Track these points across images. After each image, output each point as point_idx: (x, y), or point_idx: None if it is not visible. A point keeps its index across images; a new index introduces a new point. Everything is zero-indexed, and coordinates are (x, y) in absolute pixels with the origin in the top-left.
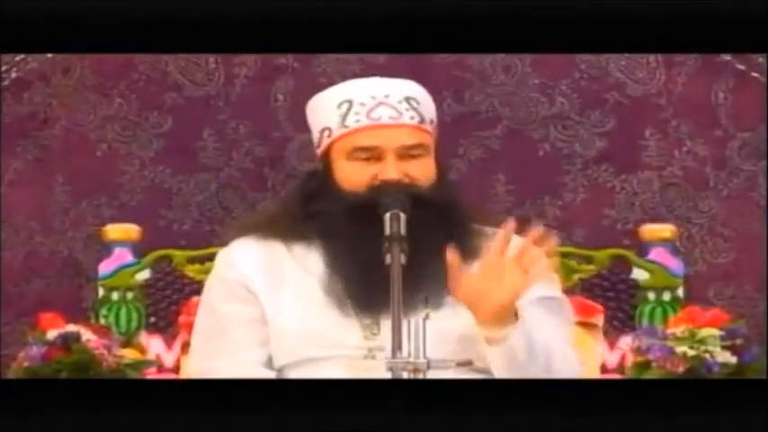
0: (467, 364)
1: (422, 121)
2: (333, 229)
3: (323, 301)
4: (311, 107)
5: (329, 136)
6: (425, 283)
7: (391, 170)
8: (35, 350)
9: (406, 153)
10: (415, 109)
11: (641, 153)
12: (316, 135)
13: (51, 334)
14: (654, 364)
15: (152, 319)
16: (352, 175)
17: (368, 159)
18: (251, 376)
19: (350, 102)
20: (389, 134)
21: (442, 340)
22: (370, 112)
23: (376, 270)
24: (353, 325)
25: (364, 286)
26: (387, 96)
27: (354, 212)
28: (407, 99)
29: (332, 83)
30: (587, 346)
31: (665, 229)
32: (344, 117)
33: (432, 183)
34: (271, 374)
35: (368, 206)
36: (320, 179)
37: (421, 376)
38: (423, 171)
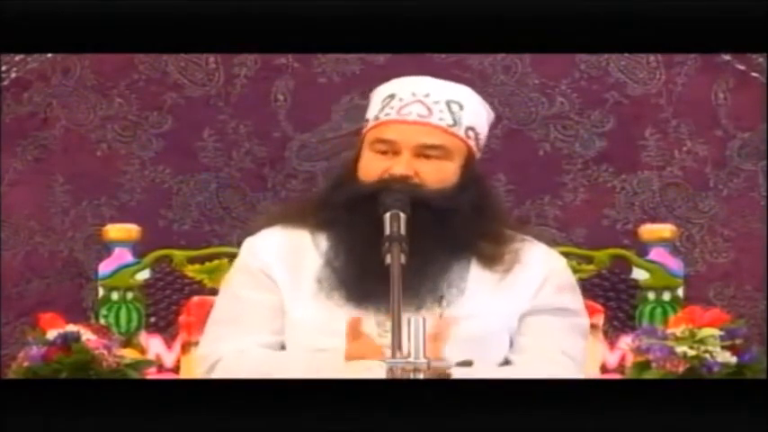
0: (467, 364)
1: (454, 124)
2: (338, 218)
3: (327, 290)
4: (369, 98)
5: (366, 126)
6: (432, 283)
7: (401, 166)
8: (35, 350)
9: (422, 152)
10: (451, 112)
11: (641, 153)
12: (363, 125)
13: (51, 334)
14: (654, 364)
15: (152, 319)
16: (368, 167)
17: (385, 153)
18: (250, 357)
19: (392, 96)
20: (411, 131)
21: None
22: (402, 108)
23: (383, 265)
24: (367, 319)
25: (368, 281)
26: (426, 95)
27: (357, 203)
28: (448, 102)
29: (332, 83)
30: (587, 345)
31: (665, 229)
32: (381, 110)
33: (442, 186)
34: (270, 355)
35: (371, 199)
36: (348, 168)
37: (421, 376)
38: (436, 173)
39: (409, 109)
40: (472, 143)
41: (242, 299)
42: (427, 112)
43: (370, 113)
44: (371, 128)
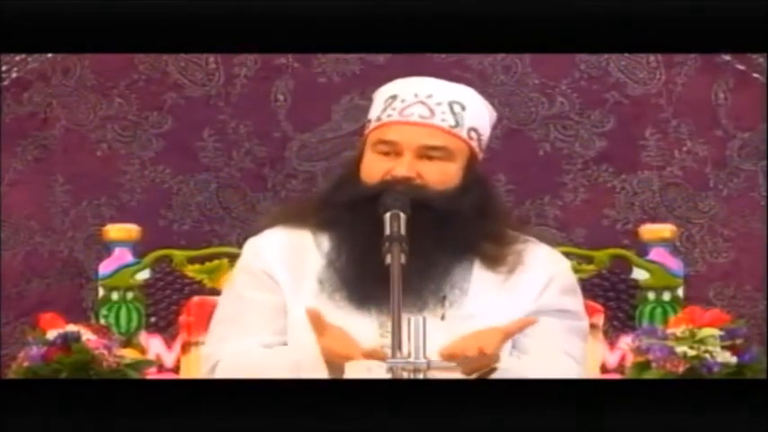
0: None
1: (456, 125)
2: (340, 218)
3: (329, 290)
4: (372, 98)
5: (368, 127)
6: (435, 284)
7: (404, 167)
8: (35, 350)
9: (424, 153)
10: (454, 113)
11: (641, 153)
12: (365, 125)
13: (51, 334)
14: (654, 364)
15: (152, 319)
16: (371, 168)
17: (387, 154)
18: (250, 358)
19: (394, 97)
20: (413, 132)
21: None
22: (404, 109)
23: (383, 266)
24: (370, 321)
25: (369, 282)
26: (429, 96)
27: (359, 204)
28: (451, 103)
29: (332, 83)
30: (587, 346)
31: (665, 229)
32: (384, 110)
33: (444, 188)
34: (269, 354)
35: (373, 200)
36: (351, 168)
37: (421, 376)
38: (438, 174)
39: (411, 110)
40: (474, 144)
41: (244, 299)
42: (429, 114)
43: (373, 114)
44: (374, 129)
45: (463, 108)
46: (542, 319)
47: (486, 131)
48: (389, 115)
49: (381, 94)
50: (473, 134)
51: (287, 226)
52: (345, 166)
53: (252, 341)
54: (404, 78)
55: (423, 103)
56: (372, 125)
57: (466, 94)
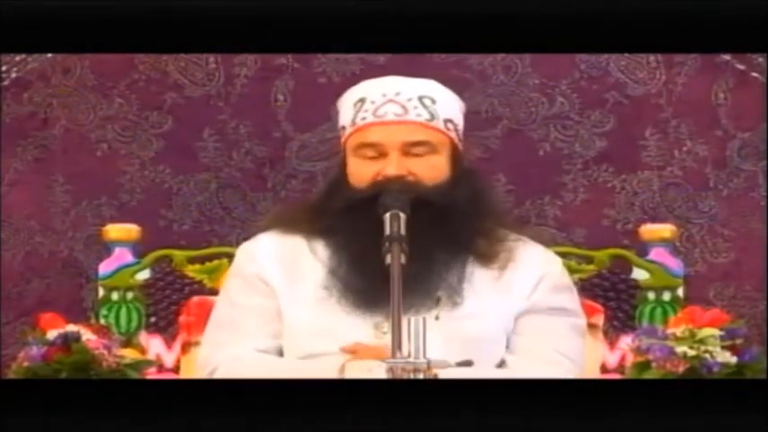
0: (467, 364)
1: (432, 119)
2: (337, 225)
3: (336, 296)
4: (337, 106)
5: (344, 134)
6: (430, 283)
7: (393, 167)
8: (35, 350)
9: (410, 150)
10: (426, 107)
11: (641, 153)
12: (339, 133)
13: (51, 334)
14: (654, 364)
15: (152, 319)
16: (359, 172)
17: (373, 157)
18: (246, 362)
19: (363, 100)
20: (393, 131)
21: (448, 341)
22: (377, 110)
23: (384, 267)
24: (364, 322)
25: (372, 284)
26: (397, 94)
27: (355, 208)
28: (420, 97)
29: (332, 83)
30: (587, 346)
31: (665, 229)
32: (356, 115)
33: (437, 182)
34: (266, 361)
35: (369, 203)
36: (337, 176)
37: (421, 376)
38: (428, 169)
39: (384, 109)
40: (453, 135)
41: (238, 304)
42: (402, 111)
43: (345, 120)
44: (351, 134)
45: (433, 101)
46: (536, 318)
47: (460, 122)
48: (364, 118)
49: (347, 100)
50: (450, 125)
51: (280, 231)
52: (331, 174)
53: (247, 346)
54: (366, 81)
55: (393, 101)
56: (348, 131)
57: (433, 88)
